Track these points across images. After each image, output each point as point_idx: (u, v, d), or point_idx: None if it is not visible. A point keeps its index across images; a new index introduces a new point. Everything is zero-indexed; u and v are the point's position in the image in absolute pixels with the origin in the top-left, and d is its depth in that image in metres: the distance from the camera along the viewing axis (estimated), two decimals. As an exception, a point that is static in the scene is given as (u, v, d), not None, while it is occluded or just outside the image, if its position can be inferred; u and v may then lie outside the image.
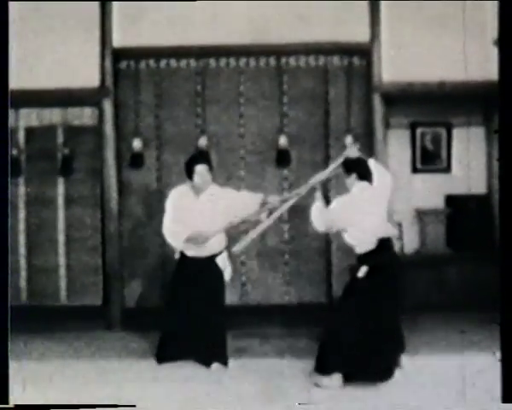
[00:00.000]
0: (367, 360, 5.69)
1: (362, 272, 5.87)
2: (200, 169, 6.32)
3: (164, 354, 6.34)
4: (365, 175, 6.10)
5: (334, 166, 6.35)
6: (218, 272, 6.44)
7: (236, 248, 6.31)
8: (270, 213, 6.41)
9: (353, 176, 6.09)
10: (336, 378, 5.68)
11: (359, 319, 5.78)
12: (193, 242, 6.25)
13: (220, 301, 6.45)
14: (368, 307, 5.80)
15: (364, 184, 6.04)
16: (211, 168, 6.47)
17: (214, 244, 6.34)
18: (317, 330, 7.31)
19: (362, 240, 5.91)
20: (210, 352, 6.25)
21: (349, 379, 5.69)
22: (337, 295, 7.99)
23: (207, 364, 6.21)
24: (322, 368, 5.78)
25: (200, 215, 6.27)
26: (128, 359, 6.53)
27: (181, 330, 6.30)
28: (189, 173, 6.34)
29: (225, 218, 6.33)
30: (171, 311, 6.41)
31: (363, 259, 5.91)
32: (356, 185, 6.03)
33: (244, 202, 6.38)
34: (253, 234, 6.31)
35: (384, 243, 5.94)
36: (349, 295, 5.97)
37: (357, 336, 5.74)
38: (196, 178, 6.31)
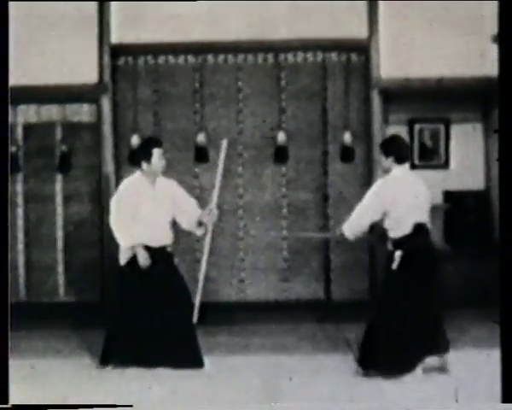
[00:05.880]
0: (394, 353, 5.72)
1: (396, 261, 5.83)
2: (159, 151, 6.06)
3: (117, 358, 5.97)
4: (403, 159, 5.95)
5: None
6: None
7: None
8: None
9: (390, 159, 5.95)
10: None
11: (396, 311, 5.77)
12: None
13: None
14: (402, 300, 5.78)
15: (404, 167, 5.93)
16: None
17: (165, 235, 6.13)
18: (316, 326, 7.36)
19: (400, 223, 5.83)
20: (182, 356, 5.96)
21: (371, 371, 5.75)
22: (335, 291, 8.04)
23: (179, 367, 5.91)
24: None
25: (156, 204, 6.04)
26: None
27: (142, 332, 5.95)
28: (148, 156, 6.02)
29: (171, 210, 6.12)
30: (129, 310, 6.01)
31: (399, 244, 5.85)
32: (395, 168, 5.92)
33: (189, 209, 6.18)
34: None
35: (420, 229, 5.86)
36: (387, 288, 5.94)
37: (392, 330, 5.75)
38: (155, 161, 6.02)
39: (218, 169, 6.49)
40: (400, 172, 5.87)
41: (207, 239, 6.28)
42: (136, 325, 5.94)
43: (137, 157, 6.18)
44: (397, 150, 5.94)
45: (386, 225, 5.88)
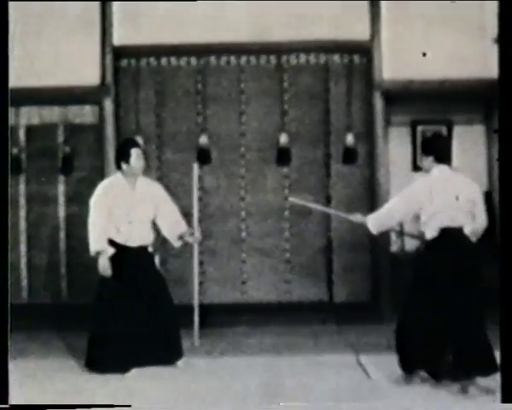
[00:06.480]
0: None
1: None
2: (137, 152, 6.07)
3: (104, 362, 5.93)
4: (443, 158, 5.77)
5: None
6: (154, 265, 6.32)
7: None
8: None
9: (430, 159, 5.77)
10: None
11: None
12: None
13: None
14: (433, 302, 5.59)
15: (444, 167, 5.73)
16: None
17: (145, 235, 6.15)
18: (318, 328, 7.37)
19: (427, 226, 5.65)
20: (167, 352, 6.04)
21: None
22: (338, 293, 8.03)
23: (164, 364, 5.99)
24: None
25: (135, 204, 6.05)
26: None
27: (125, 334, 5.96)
28: (126, 157, 6.03)
29: (151, 211, 6.15)
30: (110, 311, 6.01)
31: (427, 246, 5.68)
32: (435, 168, 5.73)
33: (170, 215, 6.22)
34: None
35: (447, 233, 5.66)
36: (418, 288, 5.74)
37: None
38: (133, 161, 6.01)
39: (194, 192, 6.59)
40: (439, 171, 5.67)
41: (195, 258, 6.73)
42: (117, 327, 5.92)
43: (116, 158, 6.17)
44: (437, 149, 5.76)
45: (415, 226, 5.78)
